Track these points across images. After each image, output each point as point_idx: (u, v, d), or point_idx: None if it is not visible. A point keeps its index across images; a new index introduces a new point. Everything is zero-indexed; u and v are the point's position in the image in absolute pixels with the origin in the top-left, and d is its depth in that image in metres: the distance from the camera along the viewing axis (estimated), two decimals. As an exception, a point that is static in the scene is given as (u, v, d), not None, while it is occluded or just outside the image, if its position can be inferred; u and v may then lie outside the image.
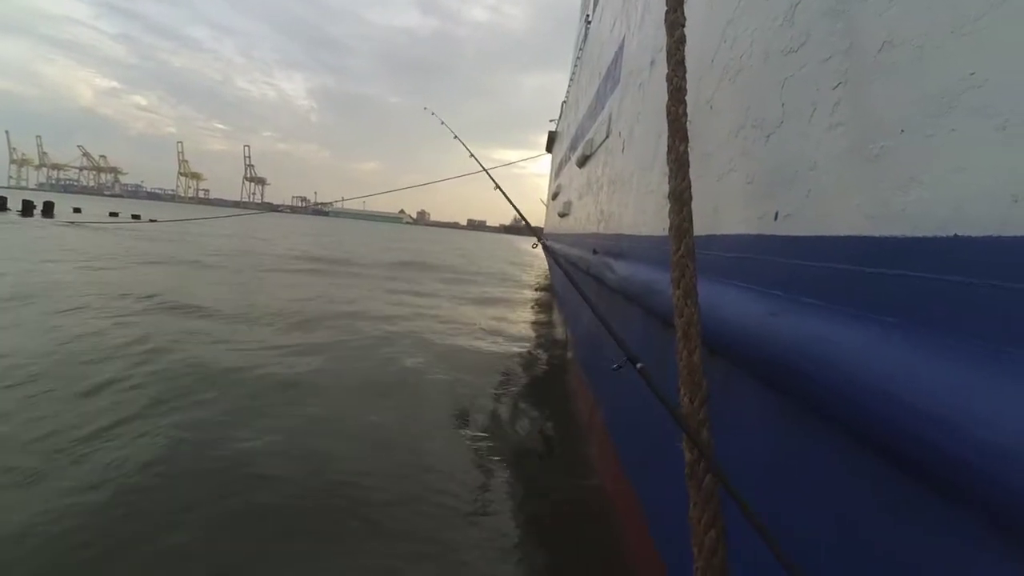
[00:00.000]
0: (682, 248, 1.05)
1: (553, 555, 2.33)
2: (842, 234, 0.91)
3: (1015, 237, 0.60)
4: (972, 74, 0.69)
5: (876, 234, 0.83)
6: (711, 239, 1.50)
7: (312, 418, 3.40)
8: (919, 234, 0.74)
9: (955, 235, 0.68)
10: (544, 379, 5.14)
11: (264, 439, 2.99)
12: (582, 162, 5.81)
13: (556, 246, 8.92)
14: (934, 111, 0.74)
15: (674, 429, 0.88)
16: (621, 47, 4.10)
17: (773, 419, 1.06)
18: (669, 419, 0.83)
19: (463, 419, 3.76)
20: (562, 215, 8.12)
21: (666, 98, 1.17)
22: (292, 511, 2.37)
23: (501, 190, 2.78)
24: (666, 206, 1.09)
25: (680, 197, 1.09)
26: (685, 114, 1.14)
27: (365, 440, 3.18)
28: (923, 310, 0.71)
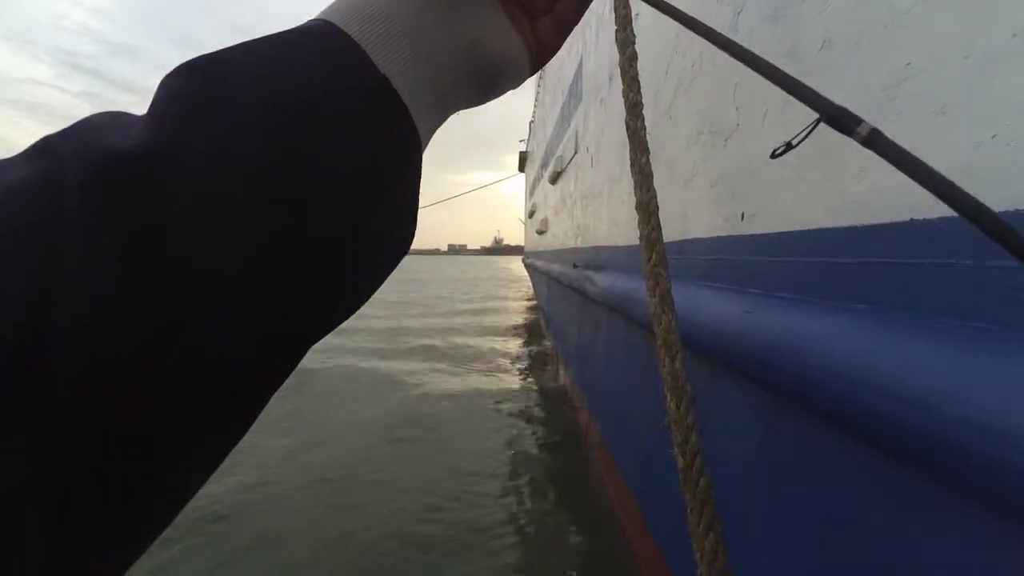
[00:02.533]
0: (654, 257, 1.06)
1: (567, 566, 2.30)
2: (805, 228, 0.93)
3: (966, 216, 0.62)
4: (908, 64, 0.72)
5: (837, 225, 0.85)
6: (684, 244, 1.52)
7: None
8: (876, 221, 0.76)
9: (911, 219, 0.70)
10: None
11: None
12: (554, 179, 5.88)
13: (538, 263, 8.97)
14: (879, 100, 0.77)
15: (664, 436, 0.88)
16: (580, 66, 4.19)
17: (759, 414, 1.07)
18: (659, 427, 0.84)
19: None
20: (540, 232, 8.19)
21: (624, 114, 1.20)
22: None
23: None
24: (636, 217, 1.11)
25: (647, 207, 1.10)
26: (644, 127, 1.17)
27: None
28: (888, 294, 0.73)
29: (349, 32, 0.25)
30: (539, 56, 0.35)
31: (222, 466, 0.24)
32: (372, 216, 0.25)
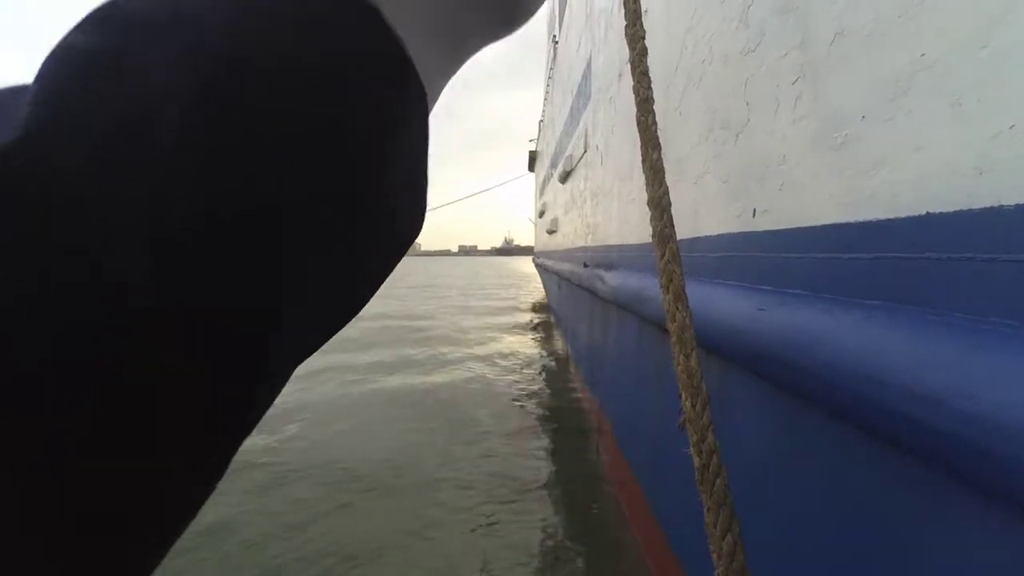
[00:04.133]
0: (667, 253, 1.05)
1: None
2: (818, 224, 0.92)
3: (984, 208, 0.61)
4: (922, 55, 0.71)
5: (850, 220, 0.84)
6: (695, 241, 1.51)
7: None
8: (891, 216, 0.75)
9: (926, 213, 0.69)
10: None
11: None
12: (564, 178, 5.87)
13: (548, 263, 8.97)
14: (890, 95, 0.76)
15: (680, 435, 0.88)
16: (589, 64, 4.18)
17: (773, 413, 1.06)
18: (674, 426, 0.83)
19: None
20: (550, 232, 8.18)
21: (635, 109, 1.19)
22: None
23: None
24: (648, 214, 1.10)
25: (659, 203, 1.10)
26: (655, 123, 1.16)
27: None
28: (903, 289, 0.72)
29: None
30: None
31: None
32: (350, 201, 0.18)
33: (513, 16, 0.26)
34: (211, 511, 2.43)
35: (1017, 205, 0.57)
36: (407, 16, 0.19)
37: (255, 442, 3.75)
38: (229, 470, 0.19)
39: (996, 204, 0.59)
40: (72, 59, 0.16)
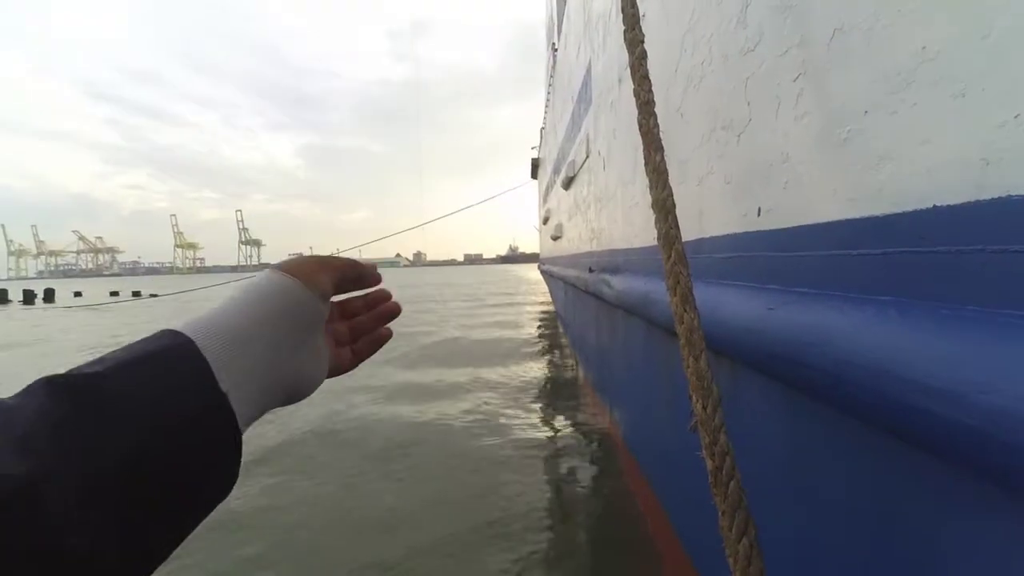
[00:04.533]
0: (673, 255, 1.05)
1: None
2: (824, 221, 0.92)
3: (992, 199, 0.60)
4: (924, 48, 0.70)
5: (857, 216, 0.83)
6: (701, 242, 1.50)
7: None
8: (899, 210, 0.74)
9: (934, 206, 0.68)
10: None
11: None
12: (567, 184, 5.88)
13: (553, 269, 8.96)
14: (893, 89, 0.75)
15: (692, 438, 0.87)
16: (589, 70, 4.20)
17: (787, 413, 1.05)
18: (685, 430, 0.82)
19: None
20: (555, 238, 8.19)
21: (636, 113, 1.19)
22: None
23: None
24: (652, 216, 1.10)
25: (664, 205, 1.09)
26: (657, 125, 1.16)
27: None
28: (914, 284, 0.71)
29: (205, 354, 0.35)
30: (334, 374, 0.50)
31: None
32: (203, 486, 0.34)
33: (306, 392, 0.45)
34: None
35: (1027, 195, 0.56)
36: (242, 405, 0.36)
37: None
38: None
39: (1005, 194, 0.59)
40: (46, 418, 0.28)
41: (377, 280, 0.52)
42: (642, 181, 1.04)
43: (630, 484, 2.95)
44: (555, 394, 5.37)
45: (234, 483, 0.36)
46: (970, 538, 0.64)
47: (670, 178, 1.11)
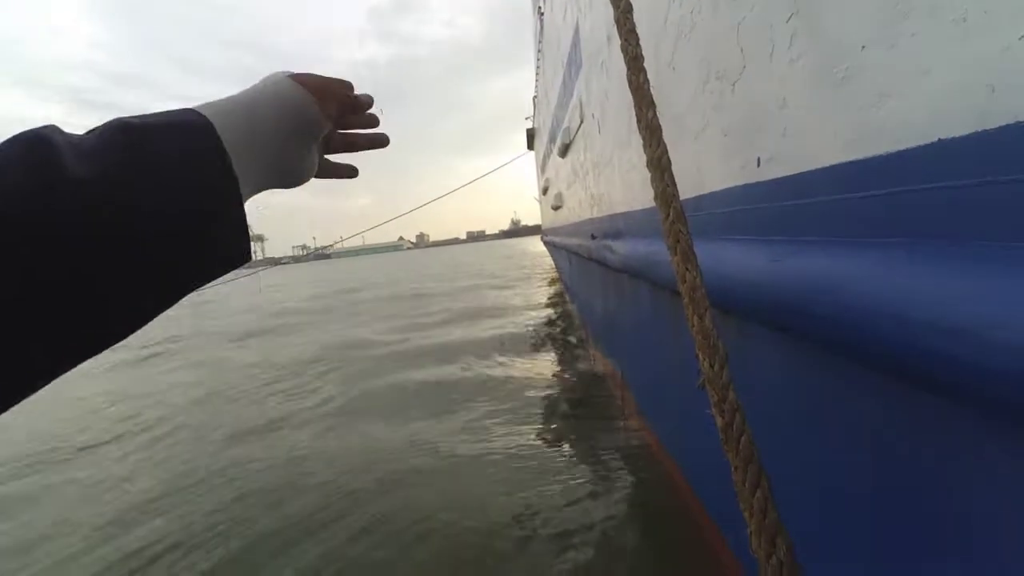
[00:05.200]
0: (671, 213, 1.03)
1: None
2: (826, 165, 0.89)
3: (999, 127, 0.58)
4: (921, -26, 0.67)
5: (859, 157, 0.80)
6: (700, 199, 1.47)
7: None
8: (902, 147, 0.72)
9: (938, 139, 0.66)
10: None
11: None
12: (563, 152, 5.80)
13: (556, 239, 8.91)
14: (890, 20, 0.72)
15: (702, 396, 0.87)
16: (577, 31, 4.10)
17: (797, 364, 1.04)
18: (694, 387, 0.82)
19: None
20: (556, 207, 8.12)
21: (626, 69, 1.16)
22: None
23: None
24: (649, 176, 1.07)
25: (659, 163, 1.07)
26: (647, 81, 1.13)
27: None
28: (921, 223, 0.69)
29: (221, 135, 0.41)
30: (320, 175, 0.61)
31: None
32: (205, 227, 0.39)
33: (294, 184, 0.54)
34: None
35: (1035, 119, 0.54)
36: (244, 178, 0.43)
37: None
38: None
39: (1013, 121, 0.56)
40: (113, 146, 0.36)
41: (369, 105, 0.62)
42: (638, 141, 1.01)
43: (646, 446, 2.98)
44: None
45: (245, 251, 0.43)
46: (985, 477, 0.63)
47: (665, 135, 1.08)
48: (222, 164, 0.40)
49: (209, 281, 0.42)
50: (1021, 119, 0.55)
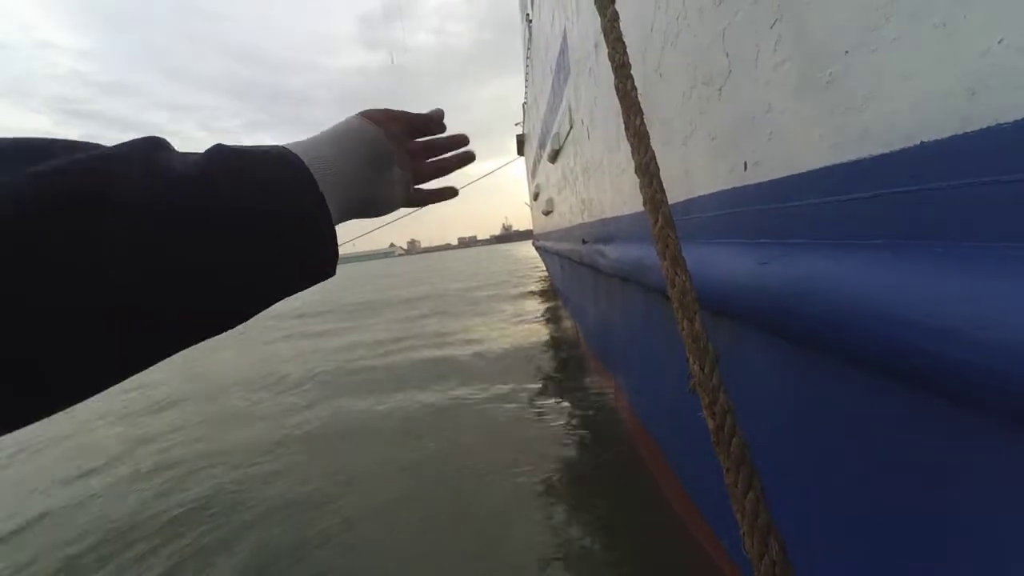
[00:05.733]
0: (660, 219, 1.03)
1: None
2: (812, 168, 0.90)
3: (980, 130, 0.59)
4: (900, -20, 0.68)
5: (844, 160, 0.81)
6: (689, 203, 1.48)
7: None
8: (886, 150, 0.73)
9: (921, 142, 0.67)
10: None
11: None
12: (553, 157, 5.82)
13: (547, 244, 8.93)
14: (872, 25, 0.73)
15: (692, 399, 0.87)
16: (565, 38, 4.12)
17: (787, 367, 1.05)
18: (686, 391, 0.82)
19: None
20: (546, 212, 8.14)
21: (613, 77, 1.17)
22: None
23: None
24: (638, 181, 1.08)
25: (647, 170, 1.08)
26: (635, 88, 1.14)
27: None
28: (907, 225, 0.70)
29: (310, 167, 0.45)
30: (414, 202, 0.67)
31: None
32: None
33: (380, 211, 0.60)
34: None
35: (1015, 122, 0.55)
36: (333, 212, 0.47)
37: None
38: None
39: (993, 123, 0.57)
40: (207, 172, 0.39)
41: (441, 126, 0.66)
42: (626, 146, 1.01)
43: (638, 448, 2.98)
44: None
45: (333, 264, 0.47)
46: (977, 477, 0.63)
47: (653, 140, 1.09)
48: (308, 179, 0.44)
49: (298, 289, 0.46)
50: (1001, 121, 0.56)
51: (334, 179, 0.48)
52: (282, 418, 4.76)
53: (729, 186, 1.23)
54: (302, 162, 0.45)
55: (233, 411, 5.28)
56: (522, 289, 13.76)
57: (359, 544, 2.52)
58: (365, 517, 2.75)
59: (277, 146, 0.46)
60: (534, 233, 14.73)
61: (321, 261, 0.45)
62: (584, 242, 3.75)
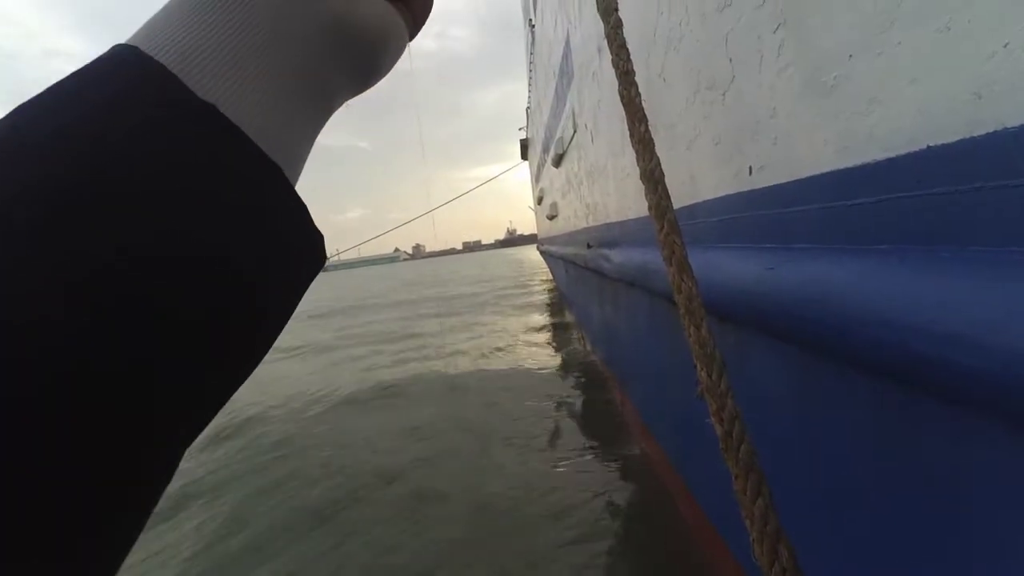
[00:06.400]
0: (666, 225, 1.03)
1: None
2: (817, 173, 0.90)
3: (987, 134, 0.59)
4: (904, -16, 0.68)
5: (849, 165, 0.81)
6: (695, 208, 1.48)
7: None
8: (892, 155, 0.72)
9: (927, 146, 0.66)
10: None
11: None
12: (558, 161, 5.83)
13: (552, 248, 8.94)
14: (876, 29, 0.73)
15: (701, 405, 0.86)
16: (568, 43, 4.13)
17: (793, 372, 1.04)
18: (693, 397, 0.82)
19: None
20: (551, 217, 8.15)
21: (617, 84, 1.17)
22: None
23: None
24: (643, 187, 1.08)
25: (652, 176, 1.07)
26: (639, 95, 1.14)
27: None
28: (913, 229, 0.70)
29: (153, 54, 0.22)
30: (416, 18, 0.34)
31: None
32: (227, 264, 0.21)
33: (368, 76, 0.31)
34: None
35: (1022, 125, 0.54)
36: (268, 107, 0.24)
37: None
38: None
39: (1000, 127, 0.57)
40: None
41: None
42: (631, 151, 1.02)
43: (647, 455, 2.96)
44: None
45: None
46: (987, 480, 0.63)
47: (658, 145, 1.09)
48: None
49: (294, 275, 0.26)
50: (1008, 125, 0.56)
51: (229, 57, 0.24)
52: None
53: (734, 191, 1.23)
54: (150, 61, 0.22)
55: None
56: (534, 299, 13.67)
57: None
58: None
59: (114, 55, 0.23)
60: (539, 238, 14.75)
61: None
62: (589, 246, 3.75)
